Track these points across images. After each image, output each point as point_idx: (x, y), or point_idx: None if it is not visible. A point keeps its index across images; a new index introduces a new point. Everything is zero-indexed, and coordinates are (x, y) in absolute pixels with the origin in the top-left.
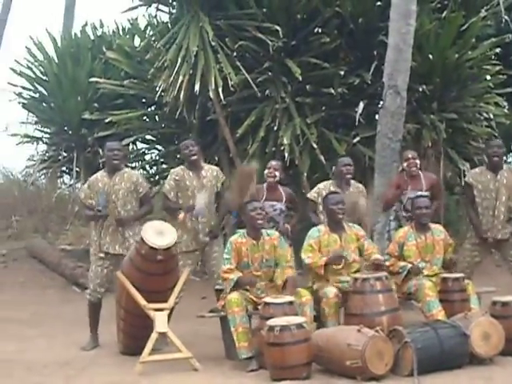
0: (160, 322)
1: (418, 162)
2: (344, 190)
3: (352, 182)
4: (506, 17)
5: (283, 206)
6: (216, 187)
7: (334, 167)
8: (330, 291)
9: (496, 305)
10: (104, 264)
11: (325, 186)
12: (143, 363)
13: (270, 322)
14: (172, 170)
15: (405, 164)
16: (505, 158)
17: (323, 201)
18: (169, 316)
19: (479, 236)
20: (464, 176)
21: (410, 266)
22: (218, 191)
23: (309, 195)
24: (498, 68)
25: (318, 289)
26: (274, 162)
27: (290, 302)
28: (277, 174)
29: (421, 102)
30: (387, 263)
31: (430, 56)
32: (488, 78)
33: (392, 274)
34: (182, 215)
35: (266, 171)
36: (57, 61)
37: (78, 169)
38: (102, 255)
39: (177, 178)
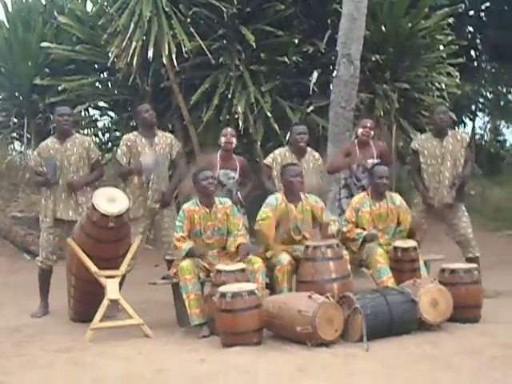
0: (111, 289)
1: (372, 132)
2: (299, 158)
3: (308, 149)
4: None
5: (237, 175)
6: (170, 155)
7: (289, 134)
8: (284, 258)
9: (444, 272)
10: (55, 231)
11: (280, 153)
12: (94, 330)
13: (222, 289)
14: (124, 136)
15: (360, 130)
16: (455, 127)
17: (281, 172)
18: (120, 283)
19: (425, 202)
20: None
21: (365, 233)
22: (172, 159)
23: (265, 161)
24: (450, 38)
25: (272, 256)
26: (229, 129)
27: (242, 269)
28: (234, 140)
29: (374, 72)
30: (344, 229)
31: (384, 25)
32: (441, 48)
33: (349, 240)
34: (136, 179)
35: (222, 139)
36: (7, 25)
37: (28, 135)
38: (52, 223)
39: (129, 143)
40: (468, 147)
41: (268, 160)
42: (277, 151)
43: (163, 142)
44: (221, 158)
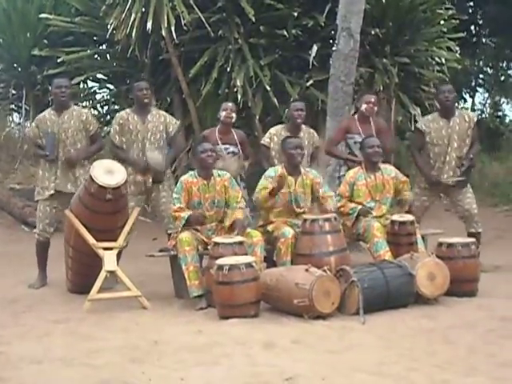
0: (109, 261)
1: (375, 108)
2: (295, 135)
3: (303, 127)
4: None
5: (236, 149)
6: (165, 133)
7: (287, 110)
8: (289, 231)
9: (442, 246)
10: (53, 203)
11: (276, 131)
12: (91, 301)
13: (220, 261)
14: (117, 114)
15: (364, 105)
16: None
17: (282, 144)
18: (118, 255)
19: (429, 181)
20: (415, 121)
21: (359, 207)
22: (170, 136)
23: (262, 141)
24: (450, 12)
25: (274, 230)
26: (229, 104)
27: (240, 242)
28: (234, 115)
29: (374, 46)
30: (338, 204)
31: None
32: (441, 22)
33: (343, 215)
34: (139, 177)
35: (222, 113)
36: None
37: (27, 107)
38: (50, 194)
39: (121, 121)
40: (475, 127)
41: (265, 140)
42: (272, 130)
43: (156, 119)
44: (220, 133)
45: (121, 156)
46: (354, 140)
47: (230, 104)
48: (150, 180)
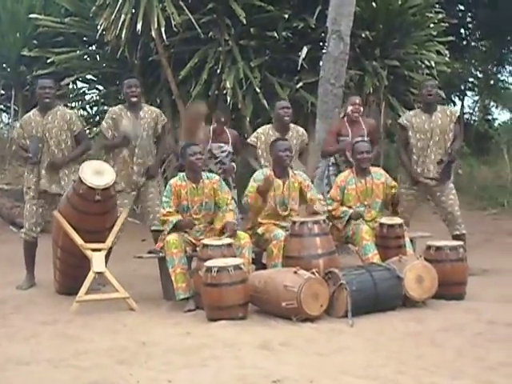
0: (97, 262)
1: (361, 108)
2: (283, 134)
3: (292, 125)
4: None
5: (230, 148)
6: (155, 129)
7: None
8: (281, 234)
9: (430, 249)
10: (39, 203)
11: (264, 131)
12: (79, 302)
13: (208, 263)
14: (110, 109)
15: (349, 108)
16: (444, 104)
17: (270, 146)
18: (106, 257)
19: (413, 178)
20: None
21: (351, 211)
22: (158, 134)
23: (249, 140)
24: (440, 16)
25: (265, 232)
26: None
27: (229, 244)
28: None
29: (364, 48)
30: (330, 207)
31: (374, 2)
32: (431, 25)
33: (334, 218)
34: (124, 152)
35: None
36: None
37: (16, 107)
38: (37, 194)
39: (114, 116)
40: (458, 123)
41: (252, 139)
42: (260, 130)
43: (148, 116)
44: (213, 132)
45: (108, 143)
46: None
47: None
48: (143, 178)
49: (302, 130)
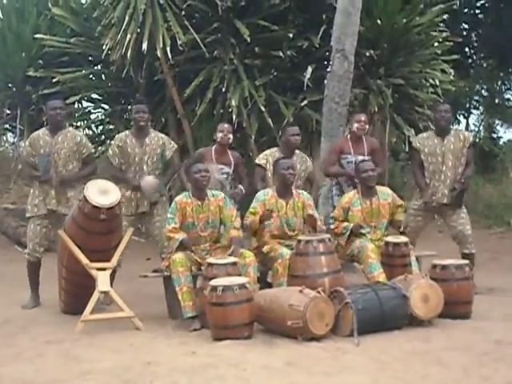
0: (102, 281)
1: (367, 126)
2: (288, 158)
3: (297, 151)
4: None
5: (231, 170)
6: (162, 156)
7: (280, 133)
8: (287, 252)
9: (436, 268)
10: (43, 223)
11: (271, 153)
12: (84, 322)
13: (213, 282)
14: (116, 136)
15: (355, 125)
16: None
17: (274, 165)
18: (112, 276)
19: (424, 200)
20: (409, 142)
21: (351, 225)
22: (167, 160)
23: (257, 161)
24: (445, 35)
25: (270, 251)
26: (226, 125)
27: (234, 263)
28: (230, 136)
29: (368, 67)
30: (332, 226)
31: (379, 21)
32: (435, 44)
33: (337, 235)
34: (129, 193)
35: (219, 134)
36: (1, 16)
37: (21, 127)
38: (42, 213)
39: (120, 144)
40: (471, 147)
41: (261, 161)
42: (267, 151)
43: (155, 142)
44: (216, 153)
45: (118, 176)
46: (347, 160)
47: (227, 125)
48: (145, 203)
49: (306, 156)
